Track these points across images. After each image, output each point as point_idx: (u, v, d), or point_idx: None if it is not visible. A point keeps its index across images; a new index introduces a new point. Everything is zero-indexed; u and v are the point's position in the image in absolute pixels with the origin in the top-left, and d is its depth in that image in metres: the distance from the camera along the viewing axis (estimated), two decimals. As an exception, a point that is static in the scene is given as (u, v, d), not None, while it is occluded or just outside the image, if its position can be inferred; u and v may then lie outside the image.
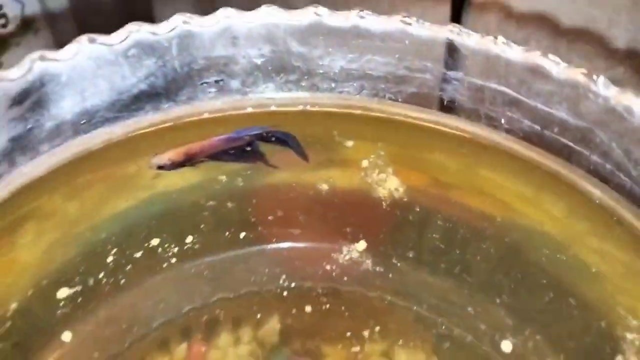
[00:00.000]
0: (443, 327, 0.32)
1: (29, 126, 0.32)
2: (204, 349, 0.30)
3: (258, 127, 0.33)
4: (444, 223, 0.34)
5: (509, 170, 0.36)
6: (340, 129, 0.38)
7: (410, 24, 0.34)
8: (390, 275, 0.34)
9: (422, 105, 0.36)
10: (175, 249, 0.33)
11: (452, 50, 0.33)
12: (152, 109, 0.35)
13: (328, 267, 0.34)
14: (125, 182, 0.35)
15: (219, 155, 0.32)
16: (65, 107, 0.33)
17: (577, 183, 0.34)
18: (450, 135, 0.37)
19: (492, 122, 0.34)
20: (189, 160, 0.32)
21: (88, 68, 0.32)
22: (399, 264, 0.34)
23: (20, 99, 0.30)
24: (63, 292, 0.31)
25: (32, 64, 0.30)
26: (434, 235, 0.34)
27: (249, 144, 0.33)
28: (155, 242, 0.33)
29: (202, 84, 0.35)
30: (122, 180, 0.35)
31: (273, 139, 0.33)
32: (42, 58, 0.30)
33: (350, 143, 0.37)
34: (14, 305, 0.30)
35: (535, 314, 0.32)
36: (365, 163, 0.37)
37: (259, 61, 0.35)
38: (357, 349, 0.31)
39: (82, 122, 0.34)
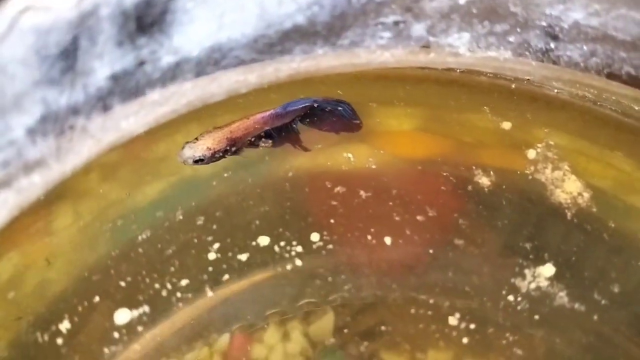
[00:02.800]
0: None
1: (140, 59, 0.21)
2: (247, 342, 0.26)
3: (305, 99, 0.27)
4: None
5: None
6: (494, 104, 0.29)
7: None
8: (595, 318, 0.25)
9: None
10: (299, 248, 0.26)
11: None
12: (302, 54, 0.25)
13: (511, 299, 0.25)
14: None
15: (256, 140, 0.27)
16: (194, 36, 0.22)
17: None
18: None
19: None
20: (232, 146, 0.25)
21: (240, -21, 0.21)
22: (602, 302, 0.25)
23: (137, 13, 0.20)
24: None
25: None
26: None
27: (293, 121, 0.27)
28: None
29: (376, 24, 0.25)
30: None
31: (327, 108, 0.28)
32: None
33: (507, 125, 0.29)
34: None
35: None
36: (532, 154, 0.28)
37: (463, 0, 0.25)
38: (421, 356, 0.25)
39: (209, 62, 0.23)
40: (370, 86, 0.30)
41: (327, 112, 0.27)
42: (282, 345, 0.26)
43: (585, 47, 0.26)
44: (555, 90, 0.29)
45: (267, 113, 0.26)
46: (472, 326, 0.25)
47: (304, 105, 0.26)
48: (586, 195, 0.28)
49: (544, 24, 0.26)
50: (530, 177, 0.28)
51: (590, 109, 0.30)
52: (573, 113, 0.29)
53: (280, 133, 0.27)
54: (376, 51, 0.26)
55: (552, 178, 0.28)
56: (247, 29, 0.23)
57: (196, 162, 0.24)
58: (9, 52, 0.18)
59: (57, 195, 0.25)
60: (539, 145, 0.28)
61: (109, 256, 0.25)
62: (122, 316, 0.24)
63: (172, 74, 0.22)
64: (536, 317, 0.25)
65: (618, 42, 0.26)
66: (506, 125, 0.29)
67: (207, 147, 0.24)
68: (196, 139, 0.24)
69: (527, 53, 0.27)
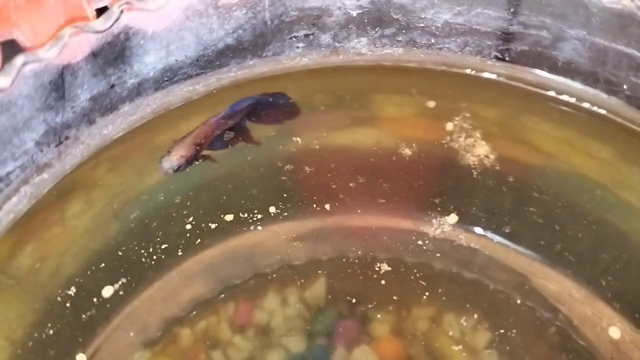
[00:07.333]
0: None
1: (111, 84, 0.29)
2: (250, 309, 0.29)
3: (247, 98, 0.30)
4: (541, 195, 0.31)
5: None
6: (420, 86, 0.34)
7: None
8: (487, 253, 0.31)
9: (531, 65, 0.33)
10: (260, 215, 0.30)
11: (577, 5, 0.30)
12: (237, 65, 0.32)
13: (420, 242, 0.31)
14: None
15: (214, 143, 0.29)
16: (149, 63, 0.29)
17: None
18: (553, 99, 0.33)
19: (611, 87, 0.31)
20: (199, 150, 0.28)
21: (177, 19, 0.29)
22: (494, 240, 0.31)
23: (104, 53, 0.27)
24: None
25: (119, 14, 0.26)
26: (530, 209, 0.31)
27: (241, 120, 0.30)
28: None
29: (291, 38, 0.32)
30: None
31: (267, 102, 0.31)
32: (130, 8, 0.26)
33: (432, 103, 0.34)
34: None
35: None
36: (449, 126, 0.33)
37: (354, 13, 0.32)
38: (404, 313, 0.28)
39: (164, 79, 0.31)
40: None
41: (267, 105, 0.30)
42: (281, 309, 0.28)
43: (458, 40, 0.33)
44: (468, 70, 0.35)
45: (219, 116, 0.29)
46: (387, 268, 0.29)
47: (247, 103, 0.30)
48: (492, 157, 0.32)
49: (421, 24, 0.32)
50: (446, 145, 0.32)
51: (494, 82, 0.34)
52: (483, 87, 0.34)
53: (233, 134, 0.29)
54: (295, 58, 0.33)
55: (465, 145, 0.32)
56: (189, 52, 0.30)
57: (176, 171, 0.27)
58: (17, 91, 0.26)
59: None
60: (457, 118, 0.32)
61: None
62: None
63: (137, 91, 0.30)
64: (438, 254, 0.30)
65: (482, 34, 0.32)
66: (431, 103, 0.33)
67: (180, 156, 0.27)
68: (168, 151, 0.27)
69: (414, 48, 0.34)
